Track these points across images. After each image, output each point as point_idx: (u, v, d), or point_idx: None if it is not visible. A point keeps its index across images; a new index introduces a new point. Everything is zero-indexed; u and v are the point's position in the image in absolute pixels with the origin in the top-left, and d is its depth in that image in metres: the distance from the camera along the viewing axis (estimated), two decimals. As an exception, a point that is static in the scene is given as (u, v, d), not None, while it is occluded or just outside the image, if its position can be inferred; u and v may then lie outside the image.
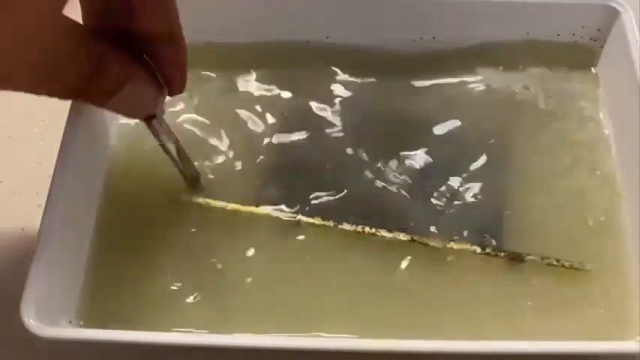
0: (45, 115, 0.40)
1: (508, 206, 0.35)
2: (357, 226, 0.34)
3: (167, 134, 0.32)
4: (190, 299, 0.32)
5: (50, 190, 0.31)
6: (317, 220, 0.34)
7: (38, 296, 0.28)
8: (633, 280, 0.32)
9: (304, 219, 0.34)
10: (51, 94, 0.25)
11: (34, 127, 0.40)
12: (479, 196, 0.35)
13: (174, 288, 0.32)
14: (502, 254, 0.33)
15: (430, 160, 0.36)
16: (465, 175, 0.36)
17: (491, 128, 0.38)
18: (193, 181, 0.35)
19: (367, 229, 0.34)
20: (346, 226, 0.34)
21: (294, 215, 0.34)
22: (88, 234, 0.34)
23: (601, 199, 0.35)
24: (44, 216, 0.30)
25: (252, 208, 0.35)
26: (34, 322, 0.28)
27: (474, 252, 0.33)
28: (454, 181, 0.36)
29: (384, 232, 0.34)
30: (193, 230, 0.34)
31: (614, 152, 0.37)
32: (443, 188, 0.35)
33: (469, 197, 0.35)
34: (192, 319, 0.31)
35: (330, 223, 0.34)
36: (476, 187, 0.35)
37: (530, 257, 0.33)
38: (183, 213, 0.35)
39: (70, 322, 0.31)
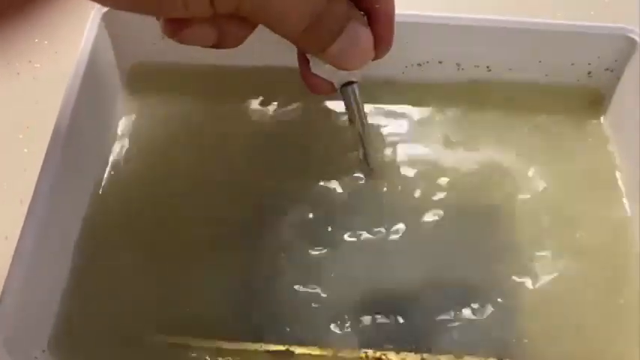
0: (30, 122, 0.38)
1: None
2: (359, 350, 0.30)
3: (359, 106, 0.31)
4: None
5: (31, 204, 0.29)
6: (313, 350, 0.30)
7: (8, 323, 0.26)
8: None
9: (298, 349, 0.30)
10: (290, 25, 0.26)
11: (19, 134, 0.38)
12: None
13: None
14: None
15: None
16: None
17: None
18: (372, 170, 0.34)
19: (371, 353, 0.30)
20: (346, 353, 0.30)
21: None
22: (67, 255, 0.32)
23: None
24: (22, 233, 0.28)
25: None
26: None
27: None
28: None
29: (391, 356, 0.30)
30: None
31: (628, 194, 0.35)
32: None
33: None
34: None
35: (329, 352, 0.30)
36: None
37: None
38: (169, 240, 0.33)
39: (44, 351, 0.29)
